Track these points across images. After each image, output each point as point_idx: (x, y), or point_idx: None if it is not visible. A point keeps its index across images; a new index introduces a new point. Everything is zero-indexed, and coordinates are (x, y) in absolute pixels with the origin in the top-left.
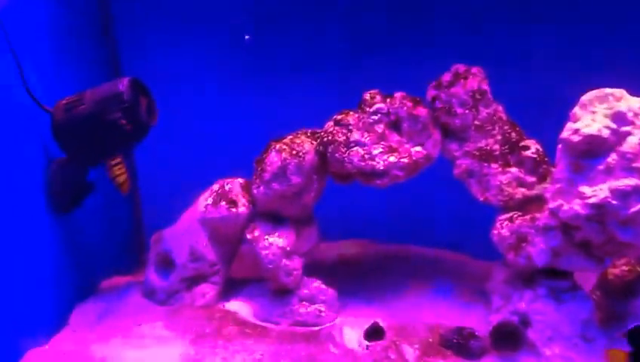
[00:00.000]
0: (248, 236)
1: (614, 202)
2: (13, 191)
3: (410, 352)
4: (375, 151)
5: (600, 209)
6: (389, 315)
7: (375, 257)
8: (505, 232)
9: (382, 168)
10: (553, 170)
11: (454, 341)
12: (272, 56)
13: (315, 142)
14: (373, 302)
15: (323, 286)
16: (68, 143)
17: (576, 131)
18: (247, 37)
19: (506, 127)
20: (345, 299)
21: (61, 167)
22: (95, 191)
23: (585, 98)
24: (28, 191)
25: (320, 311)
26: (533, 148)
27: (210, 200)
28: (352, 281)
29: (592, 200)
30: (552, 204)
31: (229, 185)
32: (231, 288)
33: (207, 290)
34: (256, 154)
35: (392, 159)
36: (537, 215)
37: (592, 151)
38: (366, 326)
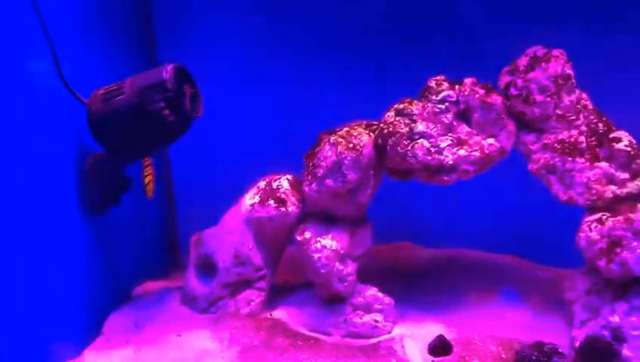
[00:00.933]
0: (298, 238)
1: None
2: (45, 189)
3: None
4: (443, 144)
5: None
6: (452, 327)
7: (428, 262)
8: (594, 236)
9: (450, 163)
10: None
11: (534, 358)
12: (313, 50)
13: (372, 135)
14: (433, 312)
15: (379, 293)
16: (105, 136)
17: None
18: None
19: (592, 117)
20: (401, 307)
21: (97, 163)
22: (129, 190)
23: None
24: (61, 188)
25: (376, 322)
26: (625, 140)
27: (256, 199)
28: (407, 288)
29: None
30: None
31: (277, 183)
32: (276, 295)
33: (253, 297)
34: (300, 150)
35: (461, 153)
36: (632, 216)
37: None
38: (429, 340)
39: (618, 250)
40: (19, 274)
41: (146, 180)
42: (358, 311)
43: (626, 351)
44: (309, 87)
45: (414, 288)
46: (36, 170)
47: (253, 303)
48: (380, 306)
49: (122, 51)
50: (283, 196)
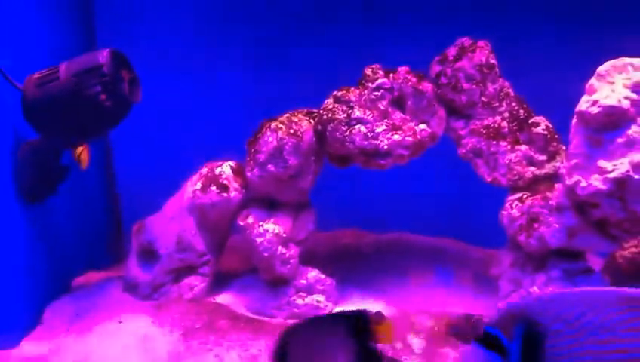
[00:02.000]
0: (241, 223)
1: (636, 176)
2: None
3: (416, 342)
4: (378, 130)
5: (621, 184)
6: (390, 305)
7: (371, 246)
8: (515, 213)
9: (386, 147)
10: (564, 147)
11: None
12: (261, 30)
13: (313, 121)
14: (372, 292)
15: (321, 275)
16: (41, 122)
17: (594, 103)
18: None
19: (513, 104)
20: (342, 289)
21: (33, 150)
22: (68, 178)
23: (602, 69)
24: None
25: (318, 302)
26: (543, 124)
27: (198, 185)
28: (349, 271)
29: (612, 175)
30: (568, 181)
31: (219, 169)
32: (220, 281)
33: (196, 283)
34: (243, 137)
35: (396, 137)
36: (549, 194)
37: (611, 123)
38: None
39: (536, 225)
40: None
41: (78, 151)
42: (300, 293)
43: None
44: (253, 74)
45: (356, 270)
46: None
47: (196, 288)
48: (321, 287)
49: (59, 32)
50: (225, 182)
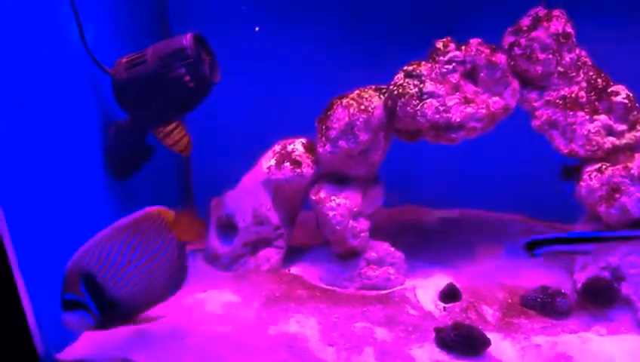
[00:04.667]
0: (313, 197)
1: None
2: (72, 155)
3: (490, 313)
4: (450, 103)
5: None
6: (461, 278)
7: (436, 222)
8: (594, 184)
9: (458, 120)
10: None
11: (538, 300)
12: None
13: (382, 97)
14: (442, 265)
15: (391, 248)
16: (129, 103)
17: None
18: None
19: (591, 73)
20: (412, 262)
21: (121, 130)
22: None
23: None
24: (87, 154)
25: (389, 274)
26: (623, 93)
27: (272, 162)
28: (417, 245)
29: None
30: None
31: (292, 146)
32: (292, 253)
33: (272, 255)
34: (308, 116)
35: (468, 110)
36: (630, 164)
37: None
38: (439, 289)
39: (617, 195)
40: (47, 236)
41: (184, 141)
42: (371, 265)
43: (625, 289)
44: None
45: (423, 245)
46: (64, 136)
47: (272, 260)
48: (392, 260)
49: (137, 20)
50: (298, 158)
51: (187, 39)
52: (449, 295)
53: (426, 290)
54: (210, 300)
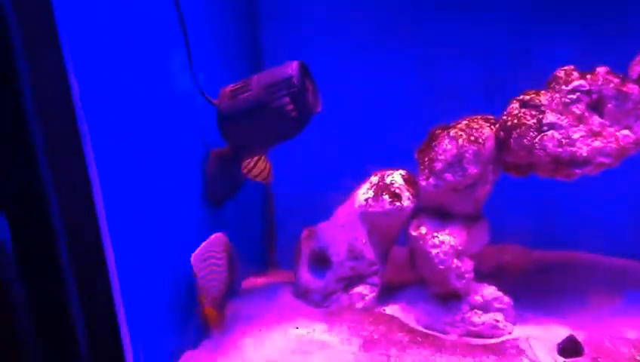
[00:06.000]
0: (413, 233)
1: None
2: (172, 183)
3: None
4: (575, 136)
5: None
6: (576, 329)
7: (539, 264)
8: None
9: (585, 155)
10: None
11: None
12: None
13: (493, 128)
14: (552, 313)
15: (498, 292)
16: (230, 131)
17: None
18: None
19: None
20: (518, 308)
21: (221, 158)
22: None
23: None
24: (186, 182)
25: (497, 321)
26: None
27: (370, 194)
28: (522, 289)
29: None
30: None
31: (391, 178)
32: (385, 291)
33: (366, 292)
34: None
35: (596, 144)
36: None
37: None
38: (555, 341)
39: None
40: (144, 263)
41: (267, 168)
42: (475, 310)
43: None
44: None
45: (529, 289)
46: (166, 164)
47: (367, 298)
48: (499, 305)
49: (234, 52)
50: (397, 191)
51: (293, 68)
52: (570, 349)
53: (540, 342)
54: (303, 337)
